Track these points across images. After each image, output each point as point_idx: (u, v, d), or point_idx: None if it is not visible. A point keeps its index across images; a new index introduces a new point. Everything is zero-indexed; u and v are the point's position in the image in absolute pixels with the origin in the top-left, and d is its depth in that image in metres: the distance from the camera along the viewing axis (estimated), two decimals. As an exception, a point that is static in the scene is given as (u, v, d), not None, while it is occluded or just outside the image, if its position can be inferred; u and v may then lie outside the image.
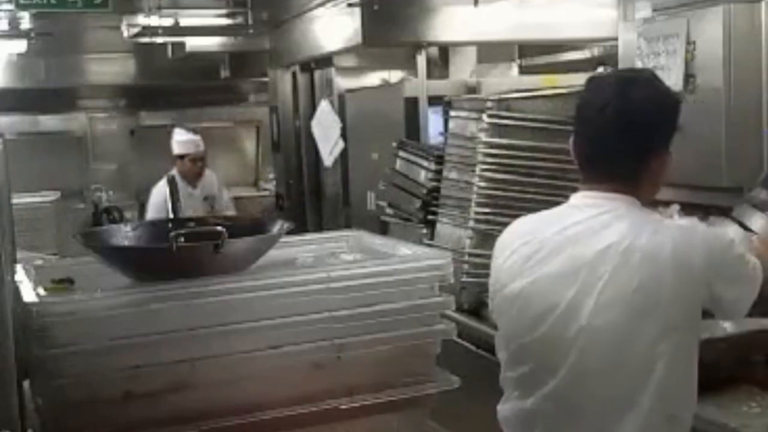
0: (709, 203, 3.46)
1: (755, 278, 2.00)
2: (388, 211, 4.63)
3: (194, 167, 6.42)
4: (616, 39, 4.51)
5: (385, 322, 2.20)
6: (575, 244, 1.94)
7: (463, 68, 6.42)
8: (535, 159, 3.59)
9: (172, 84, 9.39)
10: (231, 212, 6.49)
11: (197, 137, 6.59)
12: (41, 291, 2.09)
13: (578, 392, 1.93)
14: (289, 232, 2.49)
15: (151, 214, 6.31)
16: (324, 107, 6.82)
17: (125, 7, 7.43)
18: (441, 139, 4.26)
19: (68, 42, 8.72)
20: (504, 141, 3.61)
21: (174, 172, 6.30)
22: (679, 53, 3.62)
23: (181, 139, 6.47)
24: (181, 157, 6.40)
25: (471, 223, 3.67)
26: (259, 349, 2.09)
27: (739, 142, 3.46)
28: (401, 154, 4.60)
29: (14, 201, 2.59)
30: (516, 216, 2.17)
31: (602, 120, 1.96)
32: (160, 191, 6.22)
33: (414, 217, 4.31)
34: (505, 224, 2.09)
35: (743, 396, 2.51)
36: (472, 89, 5.76)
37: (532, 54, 6.73)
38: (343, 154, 6.67)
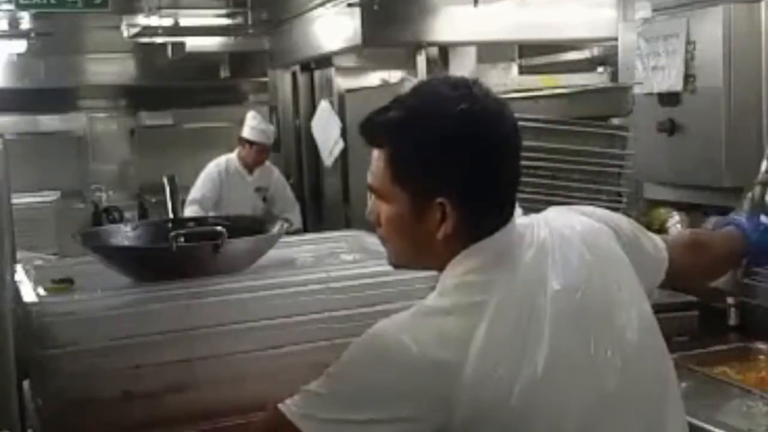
0: (709, 203, 3.46)
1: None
2: (388, 211, 4.62)
3: (258, 157, 6.38)
4: (616, 39, 4.52)
5: (385, 322, 2.20)
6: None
7: (463, 68, 6.41)
8: (535, 159, 3.58)
9: (172, 84, 9.37)
10: (291, 214, 6.20)
11: (271, 128, 6.54)
12: (41, 291, 2.09)
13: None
14: (289, 232, 2.50)
15: (199, 187, 6.25)
16: (324, 107, 6.82)
17: (125, 7, 7.43)
18: (441, 139, 4.25)
19: (68, 42, 8.71)
20: (504, 141, 3.60)
21: (230, 156, 6.33)
22: (679, 53, 3.62)
23: (256, 126, 6.37)
24: (249, 143, 6.33)
25: (471, 223, 3.67)
26: (259, 349, 2.09)
27: (739, 142, 3.47)
28: (401, 154, 4.59)
29: (14, 201, 2.58)
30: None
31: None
32: (212, 171, 6.27)
33: (414, 217, 4.30)
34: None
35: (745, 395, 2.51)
36: (472, 89, 5.75)
37: (532, 54, 6.72)
38: (343, 154, 6.67)
